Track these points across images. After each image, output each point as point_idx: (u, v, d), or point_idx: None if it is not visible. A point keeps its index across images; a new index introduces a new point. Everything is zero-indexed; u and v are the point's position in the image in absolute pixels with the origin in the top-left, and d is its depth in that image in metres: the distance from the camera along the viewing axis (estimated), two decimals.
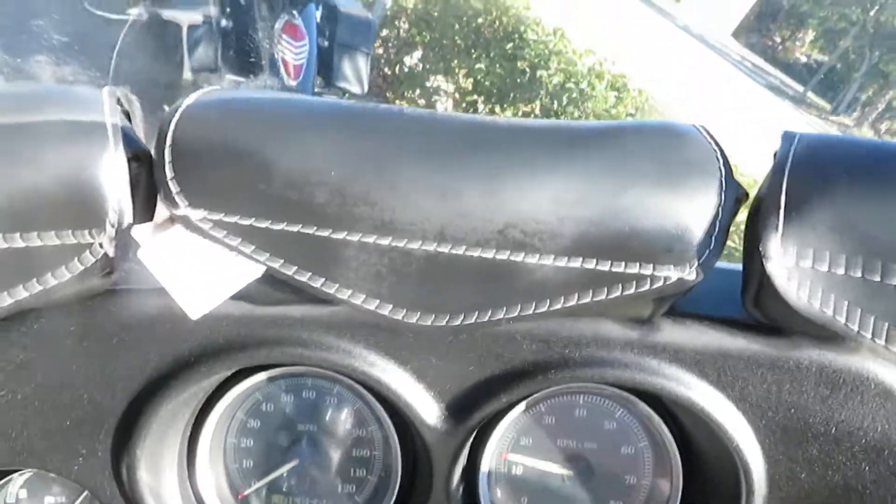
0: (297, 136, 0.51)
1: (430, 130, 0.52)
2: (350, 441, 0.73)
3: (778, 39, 25.73)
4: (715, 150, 0.53)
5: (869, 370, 0.59)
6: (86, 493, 0.72)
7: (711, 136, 0.54)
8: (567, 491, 0.73)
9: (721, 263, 0.54)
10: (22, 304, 0.50)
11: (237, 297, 0.59)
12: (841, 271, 0.49)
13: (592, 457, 0.72)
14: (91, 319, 0.59)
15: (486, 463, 0.71)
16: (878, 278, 0.48)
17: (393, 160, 0.50)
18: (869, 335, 0.49)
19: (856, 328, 0.50)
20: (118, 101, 0.53)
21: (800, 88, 21.01)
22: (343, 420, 0.73)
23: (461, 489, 0.71)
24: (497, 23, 5.22)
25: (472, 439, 0.70)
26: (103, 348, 0.60)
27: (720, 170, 0.52)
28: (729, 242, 0.54)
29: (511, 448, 0.72)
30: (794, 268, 0.50)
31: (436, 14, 5.45)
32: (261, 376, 0.70)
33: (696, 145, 0.53)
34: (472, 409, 0.64)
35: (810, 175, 0.50)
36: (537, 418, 0.72)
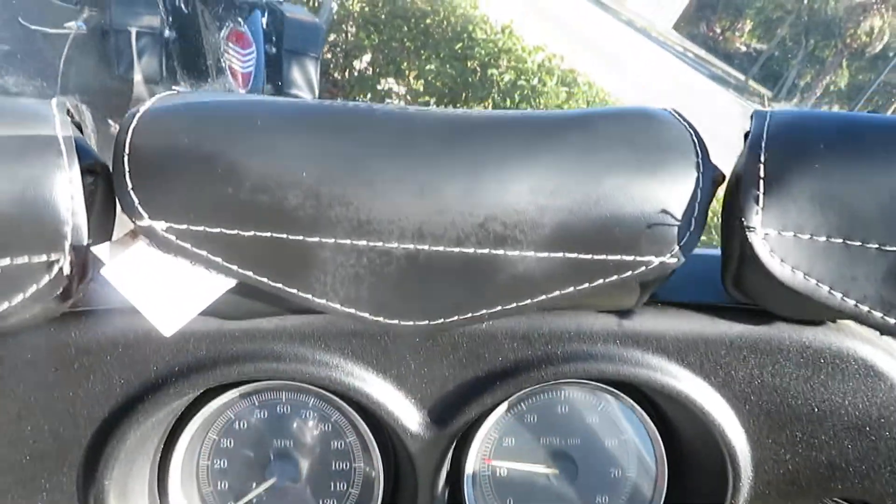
0: (265, 136, 0.48)
1: (404, 127, 0.50)
2: (328, 454, 0.71)
3: (718, 30, 26.38)
4: (690, 133, 0.53)
5: (849, 348, 0.59)
6: None
7: (685, 119, 0.54)
8: (553, 489, 0.72)
9: (698, 249, 0.54)
10: None
11: (206, 312, 0.56)
12: (822, 239, 0.49)
13: (576, 453, 0.71)
14: (49, 345, 0.55)
15: (470, 466, 0.70)
16: (858, 244, 0.48)
17: (368, 158, 0.48)
18: (852, 303, 0.49)
19: (839, 296, 0.50)
20: (68, 112, 0.50)
21: (741, 77, 21.59)
22: (320, 433, 0.70)
23: (446, 493, 0.69)
24: (445, 23, 5.22)
25: (455, 443, 0.69)
26: (64, 375, 0.56)
27: (696, 152, 0.52)
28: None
29: (494, 450, 0.71)
30: (777, 238, 0.49)
31: (383, 17, 5.43)
32: (232, 393, 0.67)
33: (671, 129, 0.53)
34: (455, 414, 0.62)
35: (787, 148, 0.50)
36: (519, 418, 0.70)
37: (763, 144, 0.51)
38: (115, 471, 0.60)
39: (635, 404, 0.69)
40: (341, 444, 0.70)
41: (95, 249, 0.47)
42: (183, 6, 3.74)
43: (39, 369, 0.56)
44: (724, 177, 0.53)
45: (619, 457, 0.72)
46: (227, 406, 0.68)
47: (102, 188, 0.49)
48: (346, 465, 0.71)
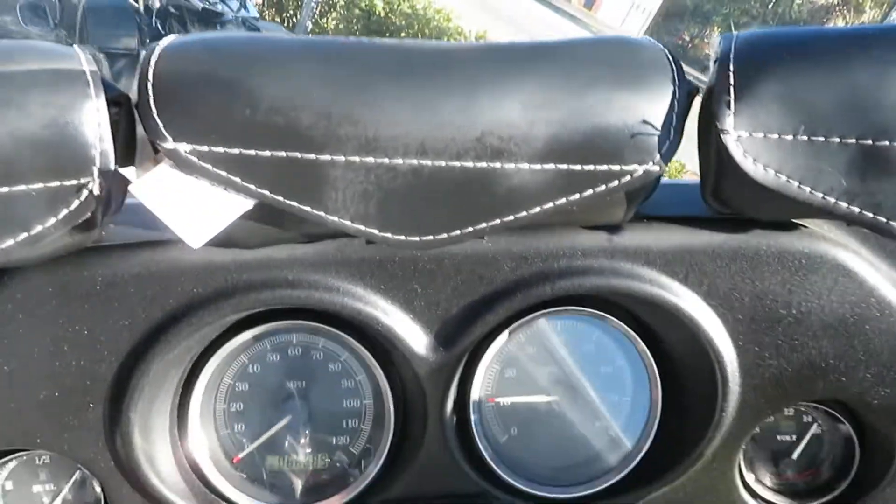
0: (278, 63, 0.52)
1: (404, 53, 0.55)
2: (340, 393, 0.74)
3: (687, 38, 26.87)
4: (665, 53, 0.57)
5: (822, 251, 0.64)
6: (75, 477, 0.71)
7: (660, 45, 0.59)
8: (554, 416, 0.76)
9: (677, 179, 0.59)
10: (9, 255, 0.50)
11: (222, 242, 0.60)
12: (790, 137, 0.54)
13: (575, 379, 0.75)
14: (75, 278, 0.58)
15: (476, 395, 0.73)
16: (822, 138, 0.53)
17: (372, 80, 0.53)
18: (819, 195, 0.54)
19: (807, 190, 0.54)
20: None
21: None
22: (331, 373, 0.73)
23: (453, 422, 0.72)
24: (420, 36, 5.31)
25: (459, 374, 0.72)
26: (89, 308, 0.59)
27: (672, 68, 0.56)
28: None
29: (497, 383, 0.74)
30: (749, 139, 0.54)
31: (357, 32, 5.51)
32: (245, 336, 0.70)
33: (647, 50, 0.57)
34: (460, 335, 0.66)
35: (754, 57, 0.55)
36: (520, 348, 0.74)
37: (731, 57, 0.56)
38: (139, 404, 0.63)
39: (628, 329, 0.73)
40: (352, 383, 0.74)
41: (123, 170, 0.51)
42: (160, 27, 3.78)
43: (66, 302, 0.59)
44: (698, 89, 0.58)
45: (617, 382, 0.76)
46: (241, 351, 0.72)
47: (126, 118, 0.53)
48: (358, 403, 0.74)
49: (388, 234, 0.56)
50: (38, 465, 0.71)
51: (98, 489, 0.69)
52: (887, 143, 0.52)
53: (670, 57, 0.58)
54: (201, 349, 0.69)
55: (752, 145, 0.55)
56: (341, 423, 0.74)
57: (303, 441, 0.74)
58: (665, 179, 0.63)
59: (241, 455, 0.73)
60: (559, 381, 0.76)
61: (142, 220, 0.59)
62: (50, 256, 0.55)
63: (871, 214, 0.55)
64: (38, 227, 0.50)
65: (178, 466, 0.70)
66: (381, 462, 0.73)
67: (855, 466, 0.77)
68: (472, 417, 0.74)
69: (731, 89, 0.54)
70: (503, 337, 0.72)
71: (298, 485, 0.74)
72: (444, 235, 0.57)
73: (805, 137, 0.54)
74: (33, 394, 0.61)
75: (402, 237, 0.57)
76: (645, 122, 0.55)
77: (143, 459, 0.64)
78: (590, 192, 0.56)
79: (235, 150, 0.51)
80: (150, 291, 0.60)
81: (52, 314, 0.59)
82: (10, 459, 0.70)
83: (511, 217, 0.57)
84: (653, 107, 0.55)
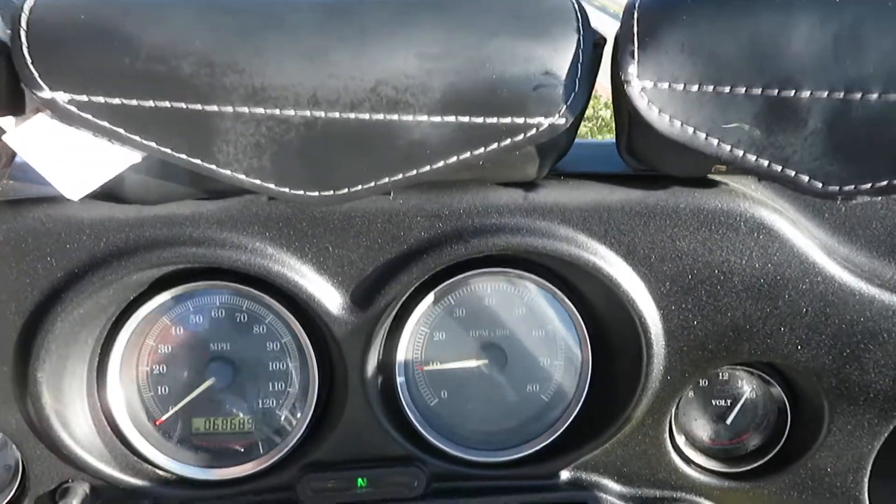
0: (157, 9, 0.51)
1: (291, 0, 0.53)
2: (265, 355, 0.73)
3: None
4: (572, 2, 0.55)
5: (741, 208, 0.62)
6: None
7: None
8: (485, 380, 0.75)
9: (599, 139, 0.57)
10: None
11: (121, 198, 0.59)
12: (695, 88, 0.52)
13: (506, 344, 0.74)
14: None
15: (401, 359, 0.72)
16: (727, 90, 0.51)
17: (257, 27, 0.51)
18: (727, 148, 0.52)
19: (714, 142, 0.53)
20: None
21: None
22: (255, 335, 0.73)
23: (379, 390, 0.71)
24: None
25: (384, 337, 0.71)
26: None
27: (577, 18, 0.54)
28: None
29: (426, 346, 0.73)
30: (654, 90, 0.52)
31: None
32: (164, 296, 0.69)
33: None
34: (375, 295, 0.65)
35: (657, 6, 0.53)
36: (448, 311, 0.73)
37: (636, 5, 0.54)
38: (47, 364, 0.62)
39: (556, 289, 0.72)
40: (276, 346, 0.73)
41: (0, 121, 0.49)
42: None
43: None
44: (604, 40, 0.56)
45: (547, 346, 0.75)
46: (162, 311, 0.70)
47: (4, 67, 0.52)
48: (284, 366, 0.73)
49: (286, 189, 0.55)
50: None
51: (16, 452, 0.69)
52: (792, 92, 0.51)
53: (577, 5, 0.56)
54: (119, 310, 0.68)
55: (657, 96, 0.53)
56: (267, 386, 0.74)
57: (227, 404, 0.73)
58: (583, 139, 0.62)
59: (164, 417, 0.72)
60: (490, 344, 0.75)
61: (41, 176, 0.58)
62: None
63: (779, 168, 0.53)
64: None
65: (97, 428, 0.69)
66: (305, 425, 0.72)
67: (786, 432, 0.76)
68: (399, 380, 0.73)
69: (635, 38, 0.53)
70: (428, 299, 0.71)
71: (223, 447, 0.74)
72: (345, 191, 0.56)
73: (710, 88, 0.52)
74: None
75: (301, 192, 0.55)
76: (548, 73, 0.53)
77: (55, 420, 0.64)
78: (494, 146, 0.55)
79: (116, 100, 0.50)
80: (48, 248, 0.59)
81: None
82: None
83: (414, 171, 0.55)
84: (557, 57, 0.53)
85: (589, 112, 4.38)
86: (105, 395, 0.70)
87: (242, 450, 0.74)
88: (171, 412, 0.72)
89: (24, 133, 0.49)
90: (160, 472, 0.72)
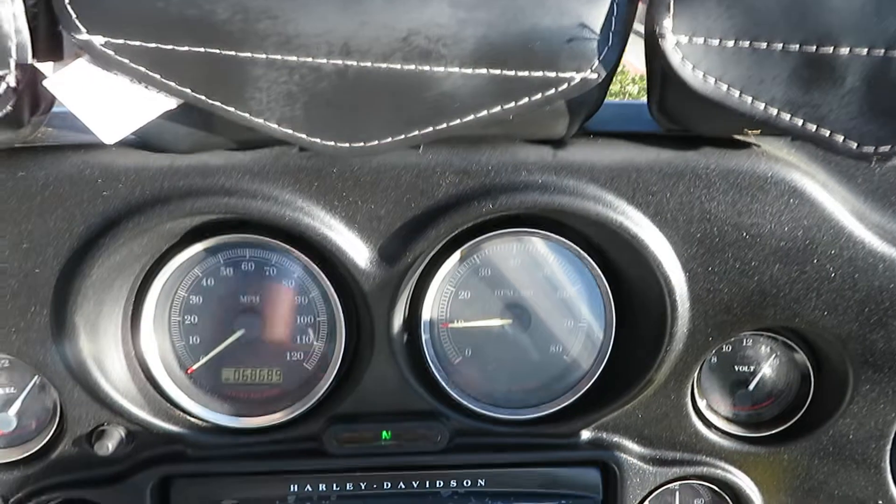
0: None
1: None
2: (293, 309, 0.74)
3: None
4: None
5: (772, 171, 0.62)
6: (34, 381, 0.73)
7: None
8: (508, 339, 0.76)
9: (630, 100, 0.57)
10: None
11: (156, 147, 0.60)
12: (731, 43, 0.51)
13: (530, 304, 0.75)
14: (10, 179, 0.59)
15: (427, 318, 0.73)
16: (764, 45, 0.51)
17: None
18: (761, 106, 0.52)
19: (749, 100, 0.52)
20: None
21: None
22: (285, 289, 0.74)
23: (405, 346, 0.72)
24: None
25: (410, 294, 0.72)
26: (27, 210, 0.60)
27: None
28: None
29: (451, 304, 0.74)
30: (688, 45, 0.52)
31: None
32: (196, 248, 0.70)
33: None
34: (402, 250, 0.65)
35: None
36: (474, 270, 0.74)
37: None
38: (84, 309, 0.64)
39: (582, 251, 0.72)
40: (304, 300, 0.74)
41: (40, 65, 0.50)
42: None
43: (4, 204, 0.59)
44: None
45: (571, 307, 0.75)
46: (194, 264, 0.72)
47: (45, 12, 0.53)
48: (311, 319, 0.75)
49: (317, 140, 0.55)
50: None
51: (55, 394, 0.71)
52: (831, 49, 0.50)
53: None
54: (152, 260, 0.70)
55: (691, 52, 0.52)
56: (294, 339, 0.75)
57: (256, 355, 0.75)
58: (613, 100, 0.62)
59: (194, 367, 0.74)
60: (514, 304, 0.75)
61: (79, 124, 0.59)
62: None
63: (814, 127, 0.52)
64: None
65: (132, 374, 0.72)
66: (332, 378, 0.74)
67: (809, 399, 0.76)
68: (424, 337, 0.74)
69: None
70: (454, 258, 0.71)
71: (252, 397, 0.76)
72: (375, 143, 0.56)
73: (747, 43, 0.51)
74: None
75: (332, 143, 0.56)
76: (582, 26, 0.53)
77: (91, 364, 0.66)
78: (525, 100, 0.55)
79: (152, 45, 0.50)
80: (85, 194, 0.60)
81: None
82: None
83: (444, 124, 0.56)
84: (591, 10, 0.53)
85: (615, 87, 4.32)
86: (139, 343, 0.72)
87: (270, 400, 0.76)
88: (201, 362, 0.74)
89: (63, 78, 0.50)
90: (191, 419, 0.74)
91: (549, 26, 0.53)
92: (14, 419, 0.72)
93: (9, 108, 0.50)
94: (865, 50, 0.50)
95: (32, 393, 0.73)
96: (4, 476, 0.73)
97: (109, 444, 0.70)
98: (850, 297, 0.66)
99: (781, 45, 0.51)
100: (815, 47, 0.50)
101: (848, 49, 0.50)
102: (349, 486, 0.76)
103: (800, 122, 0.52)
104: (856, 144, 0.53)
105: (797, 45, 0.50)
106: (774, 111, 0.52)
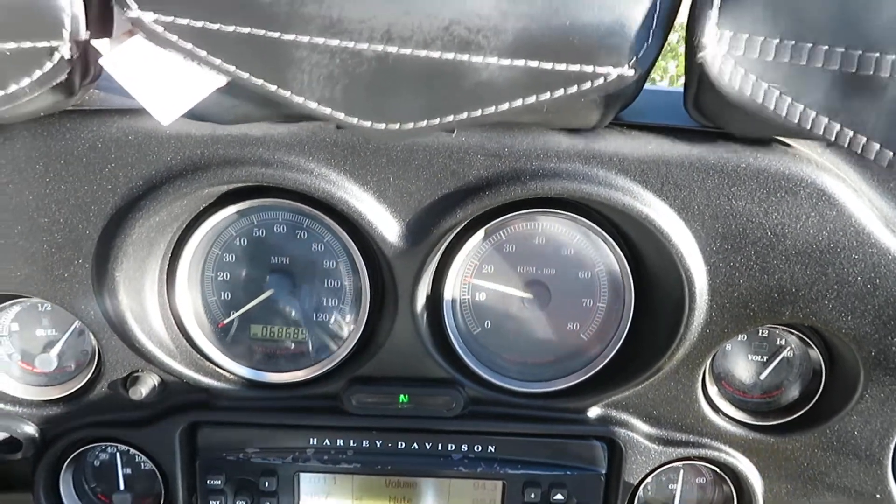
0: None
1: None
2: (321, 272, 0.77)
3: None
4: None
5: (802, 173, 0.62)
6: (74, 326, 0.77)
7: None
8: (527, 314, 0.78)
9: (666, 87, 0.57)
10: None
11: (199, 116, 0.61)
12: (770, 58, 0.51)
13: (551, 282, 0.77)
14: (59, 139, 0.61)
15: (450, 289, 0.75)
16: (804, 62, 0.51)
17: None
18: (800, 108, 0.52)
19: (783, 114, 0.52)
20: None
21: None
22: (314, 252, 0.76)
23: (426, 314, 0.75)
24: None
25: (434, 266, 0.74)
26: (73, 170, 0.62)
27: None
28: None
29: (474, 274, 0.76)
30: (727, 56, 0.52)
31: None
32: (231, 210, 0.73)
33: None
34: (430, 226, 0.67)
35: None
36: (498, 246, 0.75)
37: None
38: (125, 264, 0.67)
39: (607, 235, 0.73)
40: (332, 264, 0.77)
41: (94, 42, 0.52)
42: None
43: (51, 162, 0.62)
44: None
45: (591, 288, 0.77)
46: (228, 223, 0.75)
47: None
48: (338, 284, 0.77)
49: (354, 120, 0.57)
50: (40, 312, 0.77)
51: (93, 340, 0.75)
52: (876, 56, 0.49)
53: None
54: (189, 219, 0.72)
55: (730, 61, 0.52)
56: (321, 301, 0.78)
57: (284, 314, 0.78)
58: (651, 85, 0.61)
59: (225, 321, 0.78)
60: (535, 281, 0.77)
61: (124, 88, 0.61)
62: (31, 115, 0.58)
63: (851, 133, 0.52)
64: (13, 87, 0.52)
65: (166, 326, 0.75)
66: (356, 340, 0.77)
67: (819, 393, 0.77)
68: (445, 308, 0.76)
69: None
70: (480, 234, 0.73)
71: (278, 353, 0.79)
72: (410, 125, 0.57)
73: (787, 59, 0.51)
74: (26, 246, 0.66)
75: (368, 124, 0.57)
76: (623, 22, 0.53)
77: (129, 316, 0.69)
78: (560, 92, 0.55)
79: (200, 23, 0.51)
80: (130, 158, 0.62)
81: (38, 173, 0.62)
82: (15, 304, 0.76)
83: (479, 112, 0.56)
84: (632, 7, 0.53)
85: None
86: (174, 297, 0.75)
87: (295, 358, 0.79)
88: (232, 317, 0.77)
89: (119, 57, 0.52)
90: (220, 371, 0.78)
91: (589, 21, 0.53)
92: (55, 360, 0.77)
93: (62, 77, 0.52)
94: None
95: (72, 337, 0.78)
96: (44, 412, 0.78)
97: (143, 390, 0.74)
98: (869, 301, 0.66)
99: (826, 47, 0.50)
100: (860, 53, 0.50)
101: (894, 57, 0.50)
102: (365, 443, 0.80)
103: (837, 126, 0.53)
104: (892, 154, 0.53)
105: (842, 50, 0.50)
106: (813, 114, 0.52)
